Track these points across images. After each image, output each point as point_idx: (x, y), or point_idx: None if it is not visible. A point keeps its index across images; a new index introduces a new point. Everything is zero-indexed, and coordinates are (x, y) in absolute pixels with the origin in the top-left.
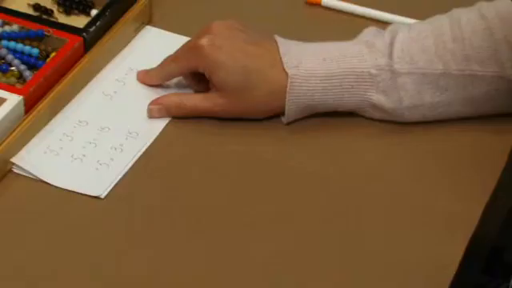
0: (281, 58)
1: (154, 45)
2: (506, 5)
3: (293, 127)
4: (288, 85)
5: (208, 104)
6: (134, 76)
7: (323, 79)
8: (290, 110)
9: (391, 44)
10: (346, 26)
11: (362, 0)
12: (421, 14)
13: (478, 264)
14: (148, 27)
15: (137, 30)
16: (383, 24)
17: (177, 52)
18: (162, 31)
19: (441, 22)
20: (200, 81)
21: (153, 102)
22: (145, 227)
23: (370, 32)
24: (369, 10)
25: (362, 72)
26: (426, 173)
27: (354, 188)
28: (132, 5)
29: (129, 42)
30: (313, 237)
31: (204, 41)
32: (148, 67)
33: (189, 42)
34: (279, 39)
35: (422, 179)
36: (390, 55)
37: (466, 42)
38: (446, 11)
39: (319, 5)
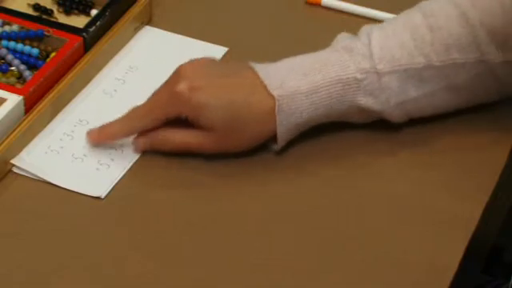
0: (262, 83)
1: (154, 44)
2: None
3: None
4: (276, 107)
5: (197, 142)
6: (134, 74)
7: (309, 94)
8: (282, 132)
9: (369, 44)
10: (346, 26)
11: (362, 0)
12: None
13: (477, 264)
14: (147, 27)
15: (136, 30)
16: None
17: (148, 103)
18: (162, 31)
19: (411, 15)
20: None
21: (139, 135)
22: (145, 227)
23: (344, 37)
24: (369, 10)
25: (348, 78)
26: (425, 173)
27: (354, 188)
28: (132, 5)
29: (129, 41)
30: (312, 237)
31: (182, 85)
32: (148, 66)
33: (161, 90)
34: (254, 65)
35: (421, 179)
36: (371, 56)
37: (443, 30)
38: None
39: (319, 5)
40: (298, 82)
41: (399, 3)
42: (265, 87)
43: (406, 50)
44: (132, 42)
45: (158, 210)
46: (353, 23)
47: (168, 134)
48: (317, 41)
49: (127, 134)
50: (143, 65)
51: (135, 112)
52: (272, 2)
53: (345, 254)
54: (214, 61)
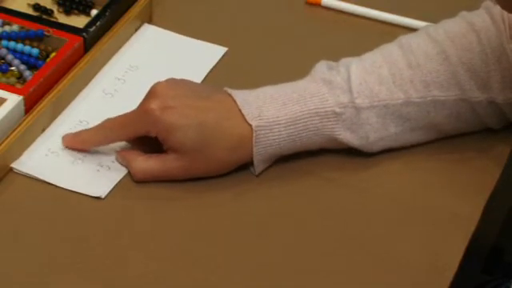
0: (240, 110)
1: (154, 43)
2: (452, 25)
3: None
4: (254, 137)
5: (163, 169)
6: (134, 74)
7: (287, 125)
8: (258, 161)
9: (348, 78)
10: (346, 26)
11: (362, 0)
12: (421, 14)
13: (477, 264)
14: (146, 25)
15: (137, 30)
16: (383, 24)
17: (122, 117)
18: (162, 30)
19: (391, 50)
20: (142, 142)
21: (118, 154)
22: (145, 227)
23: (322, 67)
24: (369, 10)
25: (326, 112)
26: (425, 173)
27: (354, 188)
28: (132, 5)
29: (127, 42)
30: (312, 237)
31: (153, 104)
32: (148, 65)
33: (136, 108)
34: (232, 91)
35: (422, 179)
36: (350, 90)
37: (422, 67)
38: (447, 11)
39: (319, 5)
40: (276, 112)
41: (399, 3)
42: (241, 115)
43: (384, 86)
44: (132, 41)
45: (159, 210)
46: (353, 23)
47: (133, 160)
48: (317, 41)
49: (98, 144)
50: (143, 64)
51: (108, 123)
52: (272, 2)
53: (345, 254)
54: (191, 82)
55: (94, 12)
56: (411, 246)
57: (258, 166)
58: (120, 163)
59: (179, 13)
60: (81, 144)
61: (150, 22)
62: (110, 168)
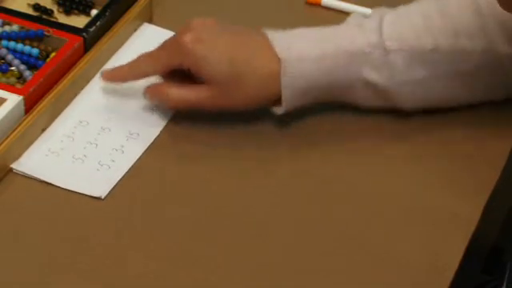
0: (269, 44)
1: (154, 42)
2: None
3: (290, 129)
4: (281, 69)
5: (196, 97)
6: None
7: (316, 60)
8: (286, 94)
9: (380, 22)
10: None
11: (362, 0)
12: None
13: (477, 264)
14: (146, 24)
15: (137, 30)
16: None
17: (156, 50)
18: (161, 29)
19: (428, 2)
20: (175, 76)
21: (147, 89)
22: (145, 227)
23: (357, 15)
24: (369, 10)
25: (355, 51)
26: (425, 173)
27: (353, 188)
28: (132, 5)
29: (126, 41)
30: (312, 237)
31: (187, 37)
32: None
33: (169, 40)
34: (266, 29)
35: (421, 179)
36: (380, 33)
37: (453, 17)
38: None
39: (319, 5)
40: (306, 47)
41: (399, 3)
42: (271, 49)
43: (415, 32)
44: (132, 40)
45: (158, 210)
46: None
47: (168, 89)
48: None
49: (135, 77)
50: None
51: (143, 57)
52: (272, 2)
53: (345, 254)
54: (225, 22)
55: (94, 12)
56: (411, 246)
57: (286, 100)
58: (149, 98)
59: (179, 13)
60: (119, 78)
61: (150, 21)
62: (110, 167)
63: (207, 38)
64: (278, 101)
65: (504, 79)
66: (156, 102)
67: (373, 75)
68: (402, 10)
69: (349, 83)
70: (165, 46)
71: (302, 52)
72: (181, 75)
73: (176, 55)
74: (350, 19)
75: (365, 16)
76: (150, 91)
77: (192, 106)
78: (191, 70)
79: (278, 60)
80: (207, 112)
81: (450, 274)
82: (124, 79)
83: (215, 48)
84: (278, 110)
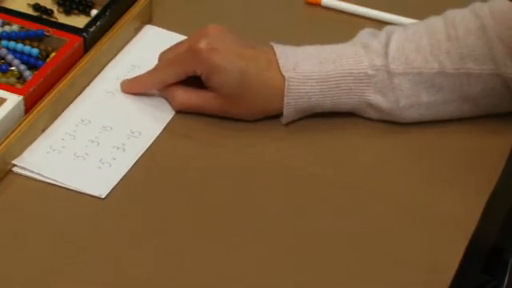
0: (277, 61)
1: (155, 43)
2: (499, 4)
3: (291, 128)
4: (285, 88)
5: (201, 103)
6: (135, 73)
7: (320, 81)
8: (288, 112)
9: (386, 44)
10: (346, 26)
11: (362, 0)
12: (421, 14)
13: (477, 264)
14: (148, 26)
15: (137, 30)
16: (383, 24)
17: (173, 58)
18: (163, 30)
19: (435, 22)
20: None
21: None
22: (145, 227)
23: (365, 33)
24: (369, 10)
25: (359, 73)
26: (425, 173)
27: (354, 189)
28: (132, 5)
29: (129, 41)
30: (312, 237)
31: (202, 44)
32: (150, 65)
33: (183, 45)
34: (274, 44)
35: (421, 180)
36: (386, 55)
37: (460, 40)
38: (445, 11)
39: (319, 5)
40: (312, 67)
41: (399, 3)
42: (278, 66)
43: (421, 55)
44: (133, 41)
45: (158, 209)
46: (353, 23)
47: (175, 90)
48: (317, 41)
49: (155, 86)
50: (145, 63)
51: (160, 64)
52: (272, 2)
53: (345, 254)
54: (235, 33)
55: (94, 12)
56: (411, 246)
57: (288, 116)
58: (163, 96)
59: (179, 13)
60: (138, 87)
61: (150, 21)
62: (111, 165)
63: (222, 47)
64: (282, 114)
65: (511, 102)
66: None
67: (377, 98)
68: (409, 30)
69: (352, 105)
70: (180, 53)
71: (305, 72)
72: (191, 78)
73: (191, 62)
74: (359, 37)
75: (374, 33)
76: (163, 90)
77: (196, 111)
78: (202, 77)
79: (284, 78)
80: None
81: (450, 274)
82: (144, 89)
83: (228, 58)
84: (282, 120)
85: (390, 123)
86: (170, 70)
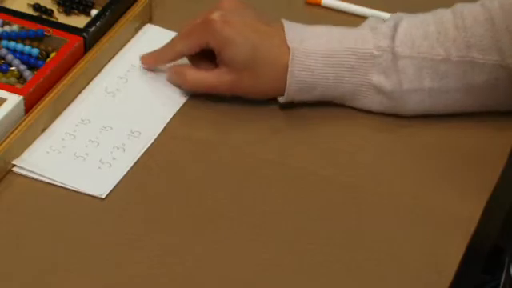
0: (285, 36)
1: (155, 42)
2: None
3: (291, 128)
4: (290, 59)
5: (213, 80)
6: (136, 73)
7: (324, 56)
8: (290, 85)
9: (394, 28)
10: (346, 26)
11: (362, 0)
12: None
13: (477, 264)
14: (148, 25)
15: (137, 30)
16: None
17: (188, 30)
18: (163, 29)
19: (443, 13)
20: (202, 60)
21: (168, 69)
22: (145, 227)
23: (373, 19)
24: (369, 10)
25: (364, 53)
26: (426, 172)
27: (353, 188)
28: (132, 5)
29: (129, 41)
30: (312, 237)
31: (216, 15)
32: None
33: (198, 18)
34: (285, 21)
35: (422, 179)
36: (393, 38)
37: (467, 30)
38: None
39: (319, 5)
40: (316, 44)
41: (399, 4)
42: (286, 40)
43: (427, 41)
44: (133, 40)
45: (159, 209)
46: (353, 23)
47: (187, 70)
48: None
49: (172, 58)
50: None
51: (177, 38)
52: (272, 2)
53: (345, 254)
54: (253, 8)
55: (94, 12)
56: (411, 246)
57: (289, 90)
58: (168, 77)
59: (179, 13)
60: (158, 61)
61: (150, 21)
62: (111, 165)
63: (235, 20)
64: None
65: None
66: (174, 82)
67: (380, 79)
68: (418, 18)
69: (354, 85)
70: (194, 24)
71: (311, 46)
72: (205, 63)
73: (204, 33)
74: (367, 21)
75: (382, 20)
76: (169, 71)
77: (207, 90)
78: (215, 50)
79: (289, 50)
80: (220, 95)
81: (450, 274)
82: (163, 61)
83: (241, 32)
84: (281, 99)
85: (390, 122)
86: (186, 41)
